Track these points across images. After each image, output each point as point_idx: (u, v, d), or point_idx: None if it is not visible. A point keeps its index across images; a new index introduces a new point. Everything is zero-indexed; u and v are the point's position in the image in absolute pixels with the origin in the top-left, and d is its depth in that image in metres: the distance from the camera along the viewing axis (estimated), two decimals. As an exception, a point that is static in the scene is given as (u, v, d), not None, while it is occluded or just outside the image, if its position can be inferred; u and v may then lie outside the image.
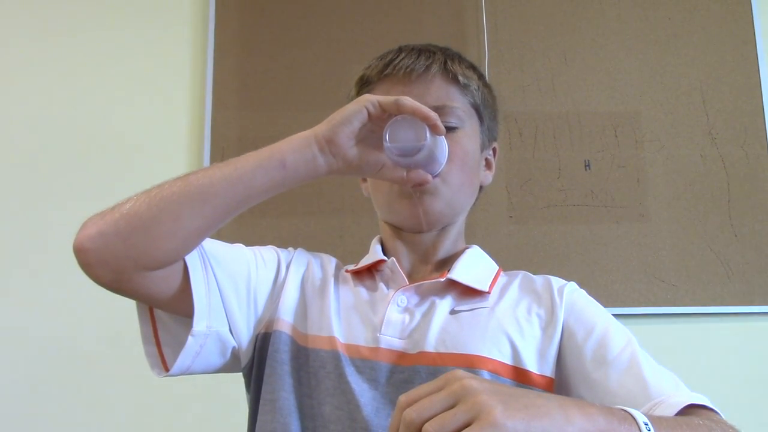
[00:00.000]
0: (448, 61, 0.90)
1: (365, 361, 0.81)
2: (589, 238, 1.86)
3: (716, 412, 0.71)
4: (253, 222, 1.86)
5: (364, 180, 0.98)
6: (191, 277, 0.78)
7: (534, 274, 0.93)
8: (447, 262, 0.91)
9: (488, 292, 0.86)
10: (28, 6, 2.00)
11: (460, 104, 0.89)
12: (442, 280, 0.86)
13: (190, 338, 0.78)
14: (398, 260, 0.90)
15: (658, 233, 1.87)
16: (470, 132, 0.91)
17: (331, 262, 0.95)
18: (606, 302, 1.82)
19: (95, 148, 1.91)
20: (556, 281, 0.89)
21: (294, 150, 0.76)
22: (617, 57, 1.97)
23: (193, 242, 0.77)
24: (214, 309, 0.81)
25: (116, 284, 0.75)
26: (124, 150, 1.91)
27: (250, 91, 1.93)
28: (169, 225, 0.73)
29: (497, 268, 0.93)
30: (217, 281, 0.82)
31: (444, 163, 0.83)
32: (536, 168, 1.90)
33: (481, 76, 0.95)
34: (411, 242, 0.92)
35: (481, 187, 0.97)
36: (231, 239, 1.94)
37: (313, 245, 1.84)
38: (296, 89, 1.92)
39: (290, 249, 0.95)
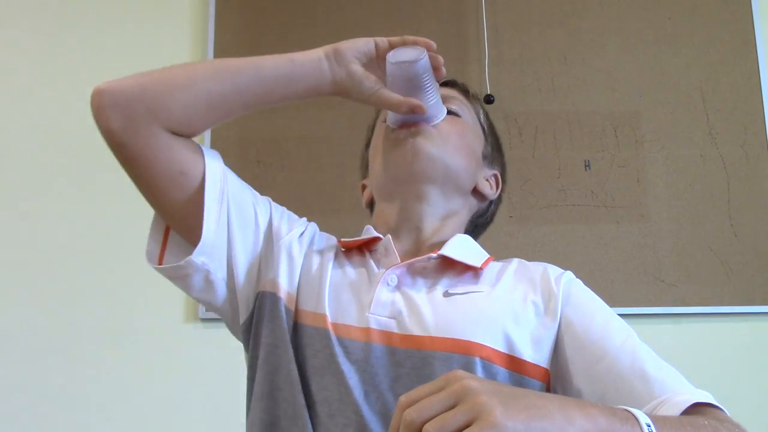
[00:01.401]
0: (458, 80, 1.00)
1: (354, 342, 0.78)
2: (589, 238, 1.86)
3: (721, 409, 0.70)
4: (253, 222, 1.85)
5: (364, 186, 1.01)
6: (205, 209, 0.80)
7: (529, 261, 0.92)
8: (442, 246, 0.89)
9: (481, 268, 0.85)
10: (27, 5, 2.00)
11: (467, 106, 0.97)
12: (434, 256, 0.84)
13: (183, 262, 0.80)
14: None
15: (658, 233, 1.87)
16: (473, 129, 0.97)
17: (331, 240, 0.94)
18: (606, 302, 1.81)
19: (95, 149, 1.90)
20: (553, 270, 0.87)
21: (302, 52, 0.85)
22: (617, 57, 1.97)
23: (205, 108, 0.81)
24: (217, 248, 0.82)
25: (125, 131, 0.77)
26: (124, 150, 1.91)
27: (249, 91, 1.93)
28: (184, 81, 0.80)
29: (488, 255, 0.91)
30: (228, 224, 0.83)
31: (440, 117, 0.91)
32: (536, 168, 1.90)
33: (486, 113, 1.02)
34: (408, 230, 0.91)
35: (491, 203, 1.00)
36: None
37: (312, 245, 1.86)
38: (296, 89, 1.92)
39: (304, 219, 0.95)
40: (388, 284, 0.82)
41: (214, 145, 1.87)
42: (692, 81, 1.95)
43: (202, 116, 0.81)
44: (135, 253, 1.85)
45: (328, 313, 0.81)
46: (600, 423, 0.55)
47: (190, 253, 0.80)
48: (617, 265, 1.85)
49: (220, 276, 0.83)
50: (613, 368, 0.75)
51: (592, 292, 0.86)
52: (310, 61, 0.84)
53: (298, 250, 0.87)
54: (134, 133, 0.77)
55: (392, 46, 0.85)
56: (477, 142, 0.96)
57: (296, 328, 0.81)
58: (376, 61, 0.86)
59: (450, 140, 0.90)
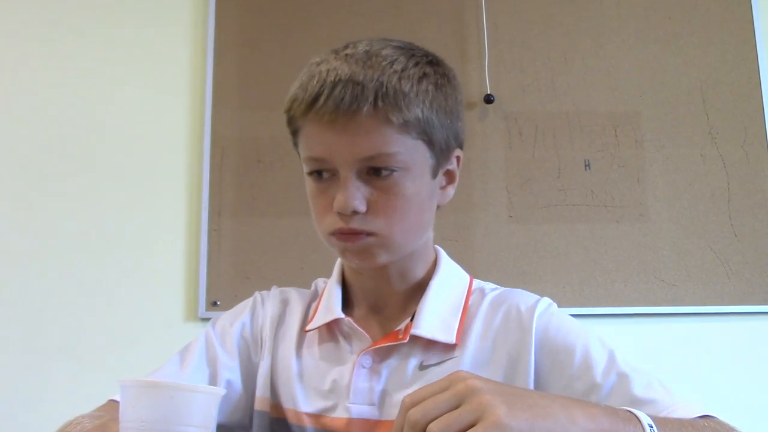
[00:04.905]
0: (379, 98, 0.71)
1: None
2: (589, 238, 1.86)
3: (716, 418, 0.71)
4: (253, 222, 1.85)
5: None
6: None
7: (509, 287, 0.87)
8: (414, 292, 0.84)
9: (455, 344, 0.80)
10: (27, 5, 2.00)
11: (397, 146, 0.73)
12: (405, 341, 0.79)
13: None
14: (358, 296, 0.86)
15: (658, 233, 1.87)
16: (415, 171, 0.75)
17: (294, 313, 0.89)
18: (606, 302, 1.80)
19: (95, 148, 1.91)
20: (524, 303, 0.82)
21: None
22: (617, 57, 1.97)
23: None
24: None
25: None
26: (124, 150, 1.91)
27: (250, 90, 1.93)
28: None
29: (465, 293, 0.85)
30: None
31: None
32: (536, 168, 1.90)
33: (433, 81, 0.76)
34: (373, 275, 0.84)
35: (438, 206, 0.84)
36: (231, 240, 1.94)
37: (313, 245, 1.86)
38: (296, 89, 1.92)
39: (245, 316, 0.89)
40: (363, 367, 0.80)
41: (214, 145, 1.88)
42: (692, 81, 1.95)
43: None
44: (135, 252, 1.86)
45: (304, 407, 0.81)
46: (602, 423, 0.56)
47: None
48: (617, 265, 1.84)
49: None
50: (600, 401, 0.74)
51: (567, 320, 0.82)
52: None
53: (266, 360, 0.86)
54: None
55: None
56: (424, 180, 0.77)
57: (277, 424, 0.83)
58: None
59: (397, 235, 0.76)
